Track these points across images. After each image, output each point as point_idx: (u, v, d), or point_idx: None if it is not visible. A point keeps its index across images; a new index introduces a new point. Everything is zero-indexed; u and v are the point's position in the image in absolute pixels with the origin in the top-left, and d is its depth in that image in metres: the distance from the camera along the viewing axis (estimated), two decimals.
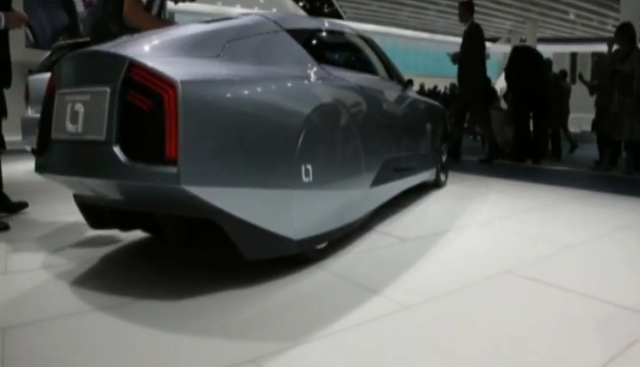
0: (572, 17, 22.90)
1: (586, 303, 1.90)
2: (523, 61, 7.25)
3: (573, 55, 30.97)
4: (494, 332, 1.64)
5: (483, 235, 2.95)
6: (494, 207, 3.78)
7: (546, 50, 25.01)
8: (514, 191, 4.58)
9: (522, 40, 25.74)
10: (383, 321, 1.72)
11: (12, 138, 10.38)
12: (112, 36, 3.13)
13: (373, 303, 1.87)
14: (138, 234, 2.70)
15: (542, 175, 5.90)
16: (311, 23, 3.05)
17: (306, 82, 2.40)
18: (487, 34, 29.26)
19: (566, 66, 30.06)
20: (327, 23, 3.17)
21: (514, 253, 2.56)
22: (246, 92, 2.01)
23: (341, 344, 1.56)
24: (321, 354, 1.50)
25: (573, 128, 13.14)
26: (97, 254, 2.49)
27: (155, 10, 3.25)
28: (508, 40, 28.25)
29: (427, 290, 2.00)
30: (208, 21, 2.45)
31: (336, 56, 3.24)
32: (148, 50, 2.01)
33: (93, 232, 2.56)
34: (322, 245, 2.37)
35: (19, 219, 3.27)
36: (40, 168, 2.14)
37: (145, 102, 1.78)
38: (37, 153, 2.19)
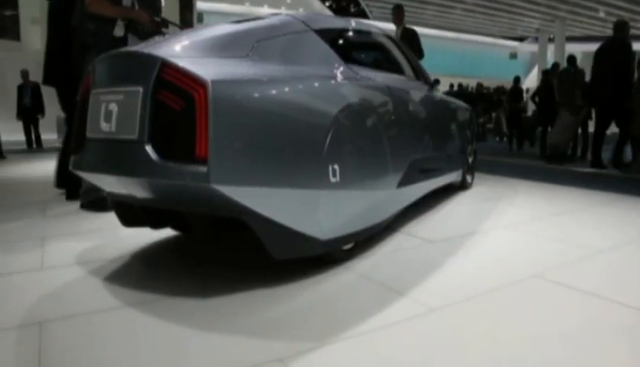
0: (602, 15, 22.39)
1: (616, 309, 1.87)
2: (606, 59, 6.38)
3: None
4: (521, 338, 1.62)
5: (510, 237, 2.92)
6: (521, 210, 3.73)
7: (575, 49, 24.53)
8: (541, 193, 4.51)
9: (550, 40, 25.28)
10: (410, 323, 1.72)
11: (48, 136, 10.74)
12: (90, 33, 3.28)
13: (399, 305, 1.87)
14: (169, 232, 2.75)
15: (570, 177, 5.79)
16: (338, 23, 3.05)
17: (334, 82, 2.40)
18: (514, 33, 29.00)
19: None
20: (354, 23, 3.17)
21: (541, 257, 2.52)
22: (274, 91, 2.02)
23: (368, 345, 1.56)
24: (347, 355, 1.50)
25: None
26: (129, 251, 2.54)
27: (128, 1, 3.40)
28: (536, 40, 27.76)
29: (453, 293, 1.99)
30: (237, 22, 2.47)
31: (363, 55, 3.23)
32: (179, 50, 2.04)
33: (125, 230, 2.61)
34: (349, 246, 2.37)
35: (54, 217, 3.36)
36: (75, 166, 2.20)
37: (176, 101, 1.81)
38: (73, 151, 2.24)
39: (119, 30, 3.38)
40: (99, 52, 3.28)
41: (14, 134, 10.08)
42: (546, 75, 8.83)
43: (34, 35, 13.93)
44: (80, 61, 3.45)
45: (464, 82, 16.94)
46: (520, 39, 31.73)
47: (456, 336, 1.63)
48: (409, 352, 1.52)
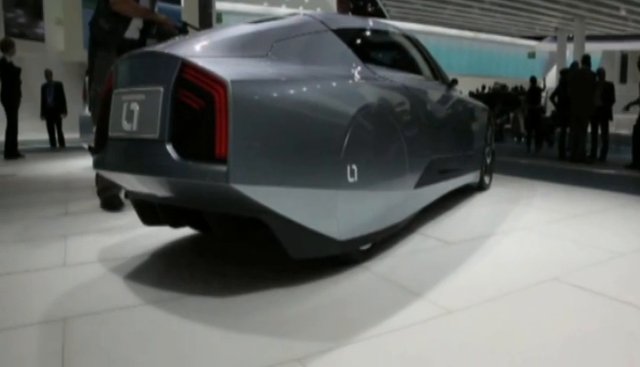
0: (623, 13, 21.97)
1: (635, 313, 1.84)
2: None
3: (624, 53, 29.80)
4: (539, 342, 1.61)
5: (529, 240, 2.89)
6: (540, 211, 3.69)
7: (594, 49, 24.13)
8: (560, 195, 4.46)
9: (569, 39, 24.92)
10: (427, 325, 1.71)
11: (70, 135, 10.93)
12: (104, 32, 3.37)
13: (416, 307, 1.86)
14: (188, 230, 2.77)
15: (588, 179, 5.72)
16: (356, 22, 3.04)
17: (352, 82, 2.40)
18: (532, 32, 28.67)
19: (617, 66, 28.92)
20: (372, 22, 3.16)
21: (561, 259, 2.49)
22: (293, 91, 2.03)
23: (386, 347, 1.56)
24: (365, 356, 1.50)
25: (625, 130, 12.69)
26: (149, 249, 2.58)
27: (146, 3, 3.49)
28: (555, 39, 27.39)
29: (471, 296, 1.98)
30: (256, 22, 2.48)
31: (381, 55, 3.22)
32: (199, 50, 2.05)
33: (145, 228, 2.64)
34: (366, 246, 2.37)
35: (76, 215, 3.42)
36: (97, 165, 2.23)
37: (196, 101, 1.83)
38: (95, 150, 2.27)
39: (130, 33, 3.45)
40: (106, 50, 3.39)
41: (39, 133, 10.28)
42: (565, 75, 8.71)
43: (58, 36, 14.18)
44: (92, 56, 3.52)
45: (488, 82, 16.69)
46: (539, 38, 31.33)
47: (474, 339, 1.62)
48: (426, 353, 1.52)
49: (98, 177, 3.52)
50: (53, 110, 10.17)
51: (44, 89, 10.27)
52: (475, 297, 1.96)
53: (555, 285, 2.12)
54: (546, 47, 31.50)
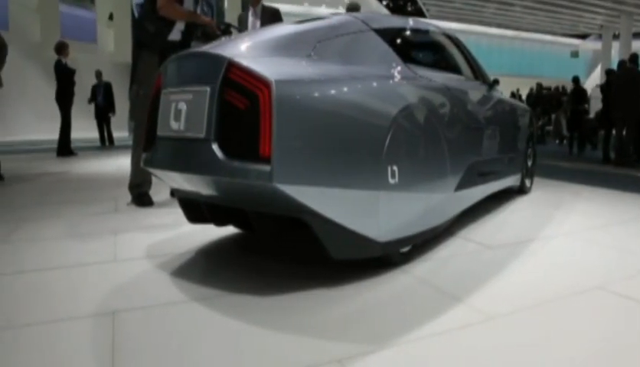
0: None
1: None
2: None
3: None
4: (582, 352, 1.57)
5: (571, 246, 2.82)
6: (583, 217, 3.59)
7: None
8: (603, 200, 4.33)
9: (615, 37, 24.06)
10: (468, 330, 1.69)
11: (120, 134, 11.28)
12: (149, 34, 3.48)
13: (457, 312, 1.84)
14: (233, 229, 2.82)
15: (633, 183, 5.52)
16: (397, 22, 3.03)
17: (393, 82, 2.39)
18: (576, 30, 27.81)
19: None
20: (412, 21, 3.14)
21: (604, 267, 2.42)
22: (336, 91, 2.03)
23: (426, 351, 1.55)
24: (405, 359, 1.49)
25: None
26: (194, 246, 2.64)
27: (190, 5, 3.56)
28: (599, 37, 26.48)
29: (513, 302, 1.94)
30: (299, 22, 2.50)
31: (421, 55, 3.19)
32: (244, 50, 2.09)
33: (190, 226, 2.70)
34: (406, 249, 2.36)
35: (125, 211, 3.53)
36: (146, 163, 2.29)
37: (241, 100, 1.85)
38: (144, 148, 2.34)
39: (173, 35, 3.54)
40: (150, 52, 3.49)
41: (90, 132, 10.66)
42: (610, 75, 8.41)
43: (109, 38, 14.69)
44: (135, 57, 3.64)
45: (529, 83, 16.10)
46: (583, 36, 30.40)
47: (515, 346, 1.59)
48: (466, 359, 1.50)
49: (132, 174, 3.64)
50: (102, 110, 10.52)
51: (94, 89, 10.63)
52: (516, 304, 1.93)
53: (598, 293, 2.06)
54: (590, 46, 30.57)
